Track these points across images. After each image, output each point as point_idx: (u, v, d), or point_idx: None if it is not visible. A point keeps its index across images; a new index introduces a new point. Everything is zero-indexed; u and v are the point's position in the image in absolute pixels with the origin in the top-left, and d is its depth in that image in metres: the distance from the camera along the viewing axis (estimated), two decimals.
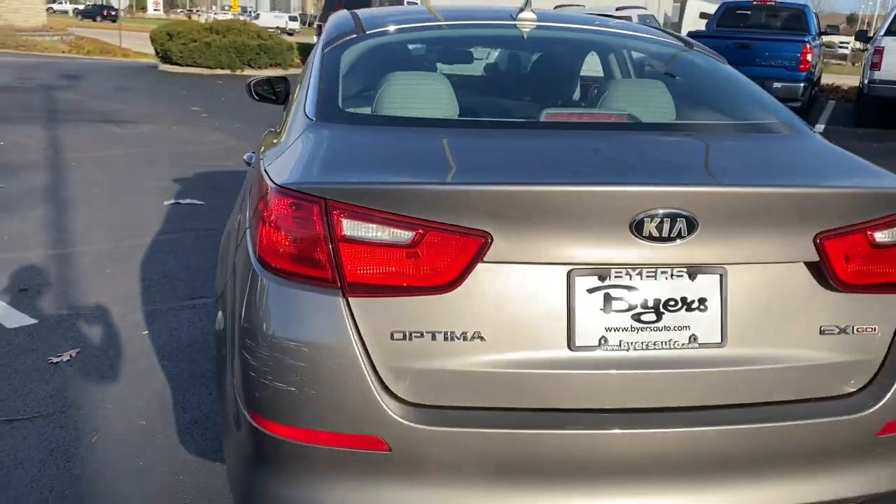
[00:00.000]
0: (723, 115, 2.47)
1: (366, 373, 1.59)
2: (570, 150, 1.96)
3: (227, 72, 17.53)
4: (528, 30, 2.70)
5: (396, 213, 1.59)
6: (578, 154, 1.93)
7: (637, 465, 1.65)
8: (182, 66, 17.24)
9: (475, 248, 1.58)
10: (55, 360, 3.34)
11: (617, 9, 15.90)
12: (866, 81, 12.51)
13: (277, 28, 42.74)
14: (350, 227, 1.60)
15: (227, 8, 72.52)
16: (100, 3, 65.78)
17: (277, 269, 1.66)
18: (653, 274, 1.66)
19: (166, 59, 17.54)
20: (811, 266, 1.71)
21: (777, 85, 12.05)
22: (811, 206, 1.70)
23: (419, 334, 1.61)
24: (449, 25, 2.84)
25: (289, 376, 1.62)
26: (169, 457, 2.68)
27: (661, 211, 1.58)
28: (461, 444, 1.61)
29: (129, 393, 3.10)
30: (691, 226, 1.60)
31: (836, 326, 1.74)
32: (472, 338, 1.61)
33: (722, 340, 1.68)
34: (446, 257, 1.59)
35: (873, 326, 1.76)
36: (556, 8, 15.95)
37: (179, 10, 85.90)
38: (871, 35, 13.26)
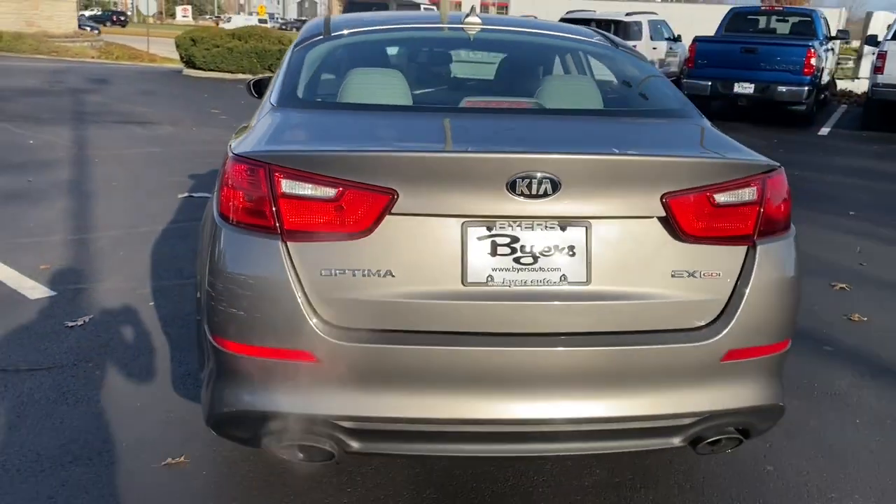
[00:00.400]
0: (622, 102, 2.88)
1: (299, 301, 2.02)
2: (472, 128, 2.38)
3: (249, 76, 18.11)
4: (472, 32, 3.12)
5: (323, 175, 2.02)
6: (477, 130, 2.36)
7: (515, 376, 2.06)
8: (205, 70, 17.85)
9: (384, 203, 2.01)
10: (70, 324, 3.80)
11: (626, 14, 16.26)
12: (871, 85, 12.75)
13: None
14: (288, 186, 2.03)
15: (253, 13, 73.83)
16: (112, 8, 67.19)
17: (233, 220, 2.09)
18: (531, 226, 2.07)
19: (190, 63, 18.16)
20: (662, 220, 2.11)
21: (781, 89, 12.33)
22: (657, 172, 2.10)
23: (342, 271, 2.03)
24: (404, 28, 3.28)
25: (240, 304, 2.05)
26: (164, 399, 3.13)
27: (528, 173, 1.99)
28: (373, 358, 2.03)
29: (133, 350, 3.56)
30: (555, 186, 2.01)
31: (685, 271, 2.13)
32: (385, 275, 2.04)
33: (587, 280, 2.09)
34: (362, 210, 2.01)
35: (717, 272, 2.15)
36: (567, 13, 16.34)
37: (207, 17, 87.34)
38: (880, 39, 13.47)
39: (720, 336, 2.13)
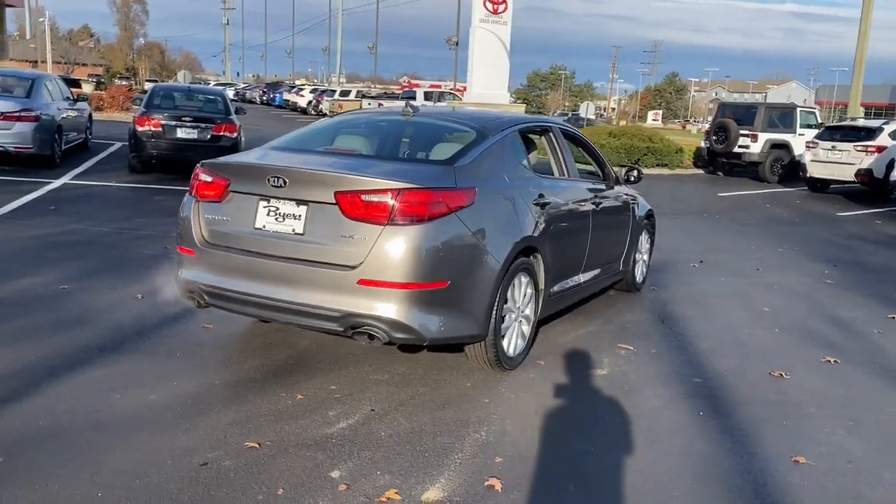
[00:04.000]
0: (418, 154, 4.72)
1: (199, 228, 4.46)
2: (296, 159, 4.56)
3: (616, 169, 20.46)
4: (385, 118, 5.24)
5: (211, 171, 4.47)
6: (295, 159, 4.53)
7: (268, 274, 4.18)
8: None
9: (225, 185, 4.37)
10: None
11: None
12: None
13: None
14: (203, 176, 4.52)
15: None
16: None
17: (190, 192, 4.65)
18: (286, 202, 4.21)
19: None
20: (336, 206, 4.06)
21: None
22: (333, 181, 4.06)
23: (212, 219, 4.43)
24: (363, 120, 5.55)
25: (180, 227, 4.59)
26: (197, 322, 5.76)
27: (273, 176, 4.16)
28: (218, 257, 4.36)
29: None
30: (284, 182, 4.14)
31: (348, 235, 4.03)
32: (224, 220, 4.38)
33: (304, 233, 4.14)
34: (220, 189, 4.40)
35: (364, 238, 4.00)
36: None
37: (676, 120, 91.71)
38: None
39: (357, 270, 3.98)
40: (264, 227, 4.26)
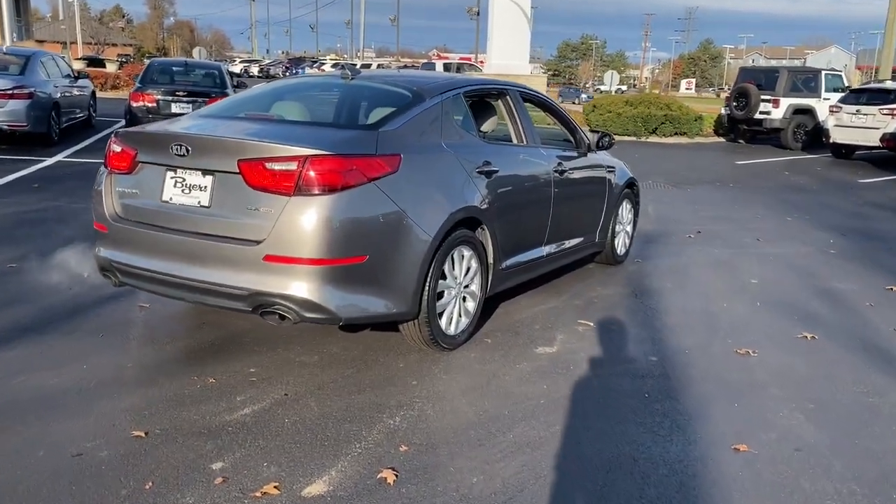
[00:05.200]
0: (350, 119, 4.41)
1: (111, 202, 4.21)
2: (208, 125, 4.27)
3: (633, 138, 19.91)
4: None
5: (121, 140, 4.20)
6: (206, 126, 4.24)
7: (174, 250, 3.91)
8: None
9: (133, 155, 4.10)
10: None
11: None
12: None
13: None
14: (113, 146, 4.26)
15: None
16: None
17: (104, 164, 4.39)
18: (191, 172, 3.93)
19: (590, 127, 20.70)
20: (239, 175, 3.76)
21: None
22: (236, 148, 3.76)
23: (123, 192, 4.17)
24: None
25: (94, 201, 4.33)
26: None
27: (175, 144, 3.87)
28: (129, 232, 4.10)
29: None
30: (187, 151, 3.85)
31: (255, 207, 3.74)
32: (134, 193, 4.12)
33: (210, 205, 3.86)
34: (128, 159, 4.13)
35: (269, 209, 3.71)
36: None
37: (710, 89, 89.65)
38: None
39: (263, 245, 3.70)
40: (171, 199, 3.99)
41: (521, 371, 4.28)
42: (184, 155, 3.87)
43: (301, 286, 3.71)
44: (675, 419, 3.75)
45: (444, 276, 4.34)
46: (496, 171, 4.73)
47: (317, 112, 4.77)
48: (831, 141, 17.19)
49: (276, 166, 3.72)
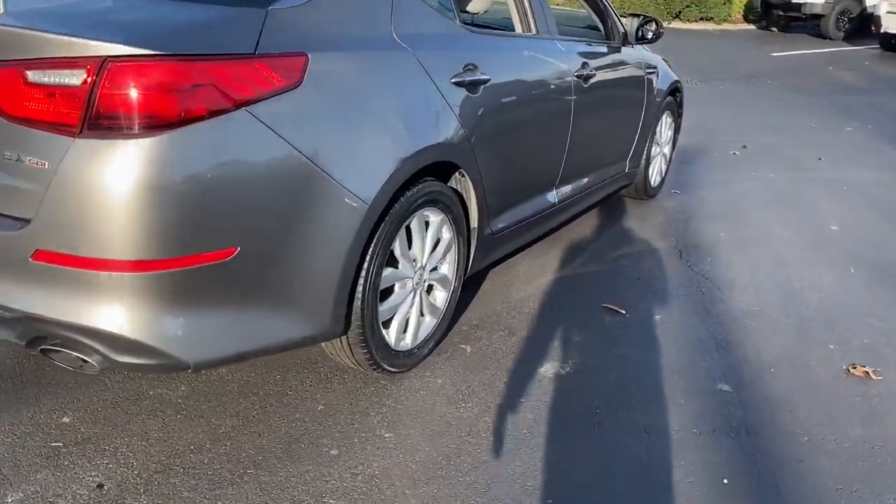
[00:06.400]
0: None
1: None
2: None
3: None
4: None
5: None
6: None
7: None
8: None
9: None
10: None
11: None
12: None
13: None
14: None
15: None
16: None
17: None
18: None
19: None
20: None
21: None
22: None
23: None
24: None
25: None
26: None
27: None
28: None
29: None
30: None
31: (14, 155, 1.94)
32: None
33: None
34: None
35: (44, 162, 1.91)
36: None
37: None
38: None
39: (29, 230, 1.92)
40: None
41: (518, 422, 2.60)
42: None
43: (107, 310, 1.96)
44: None
45: (393, 262, 2.61)
46: (485, 80, 2.91)
47: None
48: (882, 31, 14.98)
49: (47, 78, 1.89)
